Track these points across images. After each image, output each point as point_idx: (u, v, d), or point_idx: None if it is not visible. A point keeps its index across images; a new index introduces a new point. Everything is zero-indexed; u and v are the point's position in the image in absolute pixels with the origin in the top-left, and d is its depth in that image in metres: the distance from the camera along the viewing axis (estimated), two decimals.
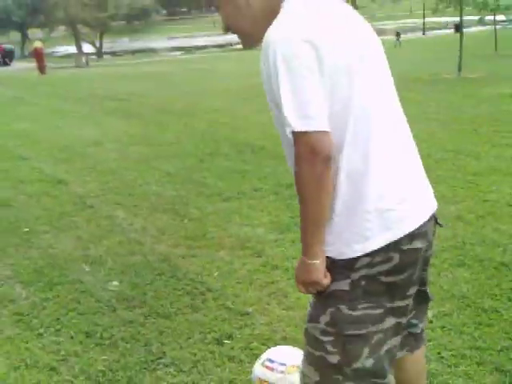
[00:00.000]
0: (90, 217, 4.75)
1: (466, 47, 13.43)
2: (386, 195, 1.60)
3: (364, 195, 1.58)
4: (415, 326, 1.88)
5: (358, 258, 1.59)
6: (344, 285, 1.62)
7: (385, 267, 1.60)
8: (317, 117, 1.49)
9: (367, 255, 1.59)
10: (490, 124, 7.48)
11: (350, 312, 1.62)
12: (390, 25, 58.11)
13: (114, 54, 55.66)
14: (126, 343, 2.90)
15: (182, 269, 3.71)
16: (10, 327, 3.10)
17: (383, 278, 1.61)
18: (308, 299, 1.82)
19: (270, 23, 1.59)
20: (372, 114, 1.60)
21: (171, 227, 4.45)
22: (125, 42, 67.53)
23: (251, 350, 2.80)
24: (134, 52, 54.20)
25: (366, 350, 1.64)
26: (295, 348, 2.49)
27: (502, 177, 5.22)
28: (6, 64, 36.17)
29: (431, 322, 2.89)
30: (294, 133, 1.49)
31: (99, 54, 51.53)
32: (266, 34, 1.57)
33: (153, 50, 55.00)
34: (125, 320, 3.12)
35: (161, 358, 2.77)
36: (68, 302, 3.35)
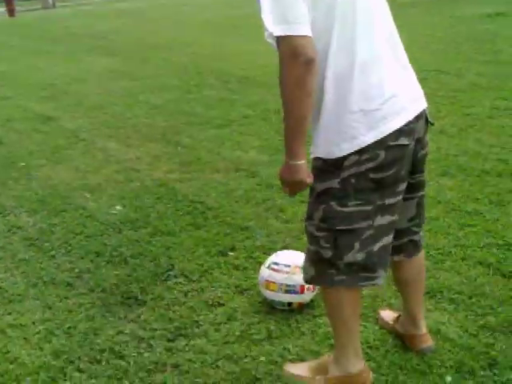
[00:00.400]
0: (84, 149, 4.84)
1: None
2: (370, 97, 1.70)
3: (349, 97, 1.69)
4: (415, 233, 2.04)
5: (347, 156, 1.71)
6: (335, 183, 1.75)
7: (372, 164, 1.71)
8: (296, 21, 1.57)
9: (355, 153, 1.71)
10: (469, 43, 7.58)
11: (341, 208, 1.77)
12: None
13: None
14: (136, 259, 3.07)
15: (181, 191, 3.86)
16: (22, 251, 3.25)
17: (371, 175, 1.73)
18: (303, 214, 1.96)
19: None
20: (357, 16, 1.68)
21: (165, 155, 4.57)
22: None
23: (254, 258, 2.99)
24: None
25: (357, 245, 1.79)
26: (297, 252, 2.68)
27: (483, 92, 5.37)
28: None
29: None
30: (276, 38, 1.58)
31: None
32: None
33: None
34: (131, 239, 3.29)
35: (170, 270, 2.95)
36: (74, 226, 3.50)
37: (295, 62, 1.57)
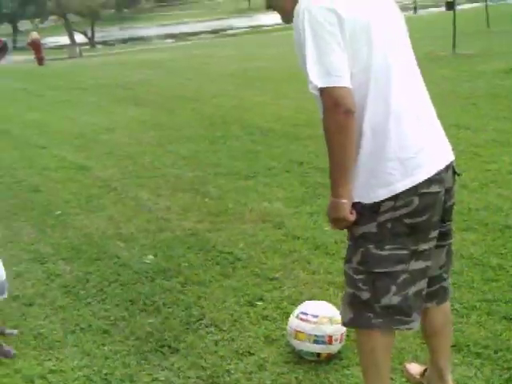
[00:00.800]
0: (116, 198, 5.04)
1: (459, 24, 13.58)
2: (405, 146, 1.89)
3: (386, 146, 1.87)
4: (445, 279, 2.17)
5: (383, 201, 1.88)
6: (372, 227, 1.91)
7: (407, 210, 1.88)
8: (338, 74, 1.79)
9: (391, 199, 1.87)
10: (487, 98, 7.73)
11: (378, 251, 1.91)
12: None
13: (105, 43, 55.47)
14: (168, 308, 3.20)
15: (210, 242, 4.01)
16: (60, 298, 3.40)
17: (406, 220, 1.89)
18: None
19: None
20: (391, 73, 1.89)
21: (194, 205, 4.74)
22: (115, 31, 67.27)
23: (282, 309, 3.11)
24: (126, 40, 54.08)
25: (394, 288, 1.93)
26: (324, 302, 2.79)
27: (502, 148, 5.50)
28: None
29: None
30: (320, 89, 1.79)
31: (91, 43, 51.37)
32: (297, 5, 1.88)
33: (145, 38, 54.89)
34: (164, 288, 3.42)
35: (201, 319, 3.07)
36: (109, 274, 3.65)
37: (336, 111, 1.78)
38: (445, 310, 2.25)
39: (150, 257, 3.87)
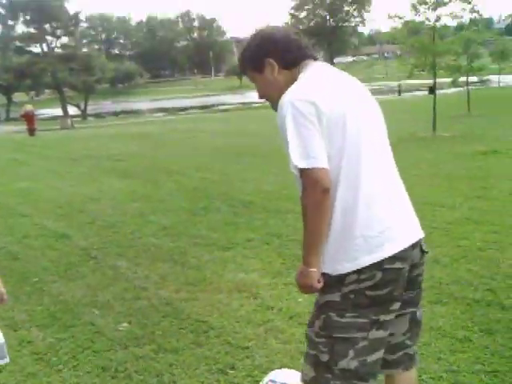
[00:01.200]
0: (94, 267, 5.08)
1: (441, 108, 14.15)
2: (371, 225, 2.04)
3: (353, 225, 2.03)
4: (409, 346, 2.27)
5: (348, 274, 2.03)
6: (336, 296, 2.05)
7: (369, 283, 2.02)
8: (317, 157, 1.97)
9: (355, 272, 2.02)
10: (463, 179, 8.00)
11: (339, 319, 2.04)
12: (369, 86, 60.01)
13: (97, 115, 56.58)
14: (140, 375, 3.22)
15: (185, 310, 4.05)
16: (30, 365, 3.40)
17: (368, 292, 2.02)
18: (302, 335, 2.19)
19: None
20: (361, 159, 2.06)
21: (172, 274, 4.80)
22: (108, 105, 68.81)
23: (253, 377, 3.13)
24: (117, 113, 55.23)
25: (351, 353, 2.03)
26: (293, 370, 2.84)
27: (474, 225, 5.66)
28: None
29: None
30: (300, 169, 1.97)
31: (84, 115, 52.41)
32: (282, 97, 2.08)
33: (137, 112, 56.12)
34: (137, 355, 3.44)
35: None
36: (82, 341, 3.66)
37: (315, 190, 1.95)
38: (410, 377, 2.32)
39: (125, 324, 3.89)
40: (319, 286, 2.06)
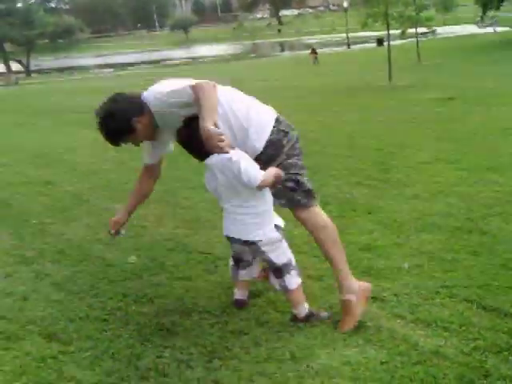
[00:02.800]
0: (89, 209, 5.22)
1: (392, 58, 14.51)
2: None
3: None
4: None
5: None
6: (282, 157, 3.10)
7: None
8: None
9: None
10: (427, 123, 8.41)
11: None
12: (316, 39, 60.21)
13: (41, 71, 54.82)
14: (161, 299, 3.44)
15: (190, 244, 4.27)
16: (53, 293, 3.58)
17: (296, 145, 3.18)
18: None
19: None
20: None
21: (168, 214, 4.99)
22: (50, 61, 66.54)
23: (268, 298, 3.41)
24: (62, 69, 53.63)
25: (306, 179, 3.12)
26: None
27: (445, 164, 6.05)
28: None
29: (408, 271, 3.60)
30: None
31: (27, 72, 50.64)
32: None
33: (82, 68, 54.61)
34: (153, 283, 3.66)
35: (194, 307, 3.31)
36: (97, 273, 3.85)
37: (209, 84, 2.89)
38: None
39: (133, 257, 4.09)
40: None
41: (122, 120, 2.98)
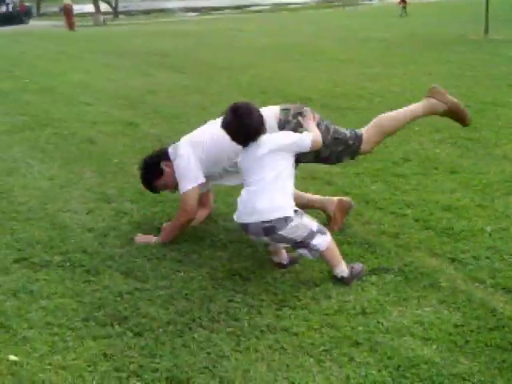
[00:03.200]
0: None
1: (490, 10, 13.66)
2: None
3: None
4: None
5: None
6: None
7: None
8: None
9: None
10: None
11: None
12: None
13: (127, 13, 55.50)
14: (234, 245, 3.47)
15: None
16: (131, 232, 3.69)
17: None
18: None
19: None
20: None
21: None
22: (137, 1, 67.19)
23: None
24: (148, 12, 54.09)
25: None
26: None
27: None
28: (22, 22, 36.23)
29: (491, 234, 3.47)
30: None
31: (115, 13, 51.41)
32: None
33: (167, 11, 54.88)
34: (227, 229, 3.70)
35: (267, 255, 3.33)
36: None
37: None
38: None
39: None
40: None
41: (152, 164, 3.68)
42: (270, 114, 3.43)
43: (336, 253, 3.05)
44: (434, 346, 2.47)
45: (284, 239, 2.98)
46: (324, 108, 6.82)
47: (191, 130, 6.01)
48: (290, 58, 11.27)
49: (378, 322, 2.66)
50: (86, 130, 6.11)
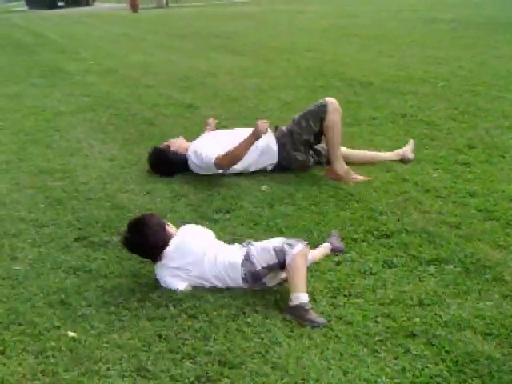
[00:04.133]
0: None
1: None
2: None
3: None
4: None
5: None
6: None
7: None
8: None
9: None
10: None
11: None
12: None
13: None
14: (289, 230, 3.44)
15: (322, 178, 4.22)
16: (188, 214, 3.72)
17: None
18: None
19: None
20: None
21: None
22: None
23: (400, 239, 3.29)
24: None
25: None
26: None
27: None
28: (87, 4, 36.85)
29: None
30: None
31: None
32: None
33: None
34: (283, 213, 3.68)
35: (322, 241, 3.29)
36: (231, 198, 3.93)
37: None
38: None
39: (266, 186, 4.12)
40: None
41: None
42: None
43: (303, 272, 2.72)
44: (495, 342, 2.38)
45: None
46: (385, 92, 6.68)
47: (249, 114, 6.08)
48: (351, 40, 11.05)
49: (436, 314, 2.59)
50: (147, 111, 6.19)
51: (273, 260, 2.76)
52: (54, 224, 3.67)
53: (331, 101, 4.33)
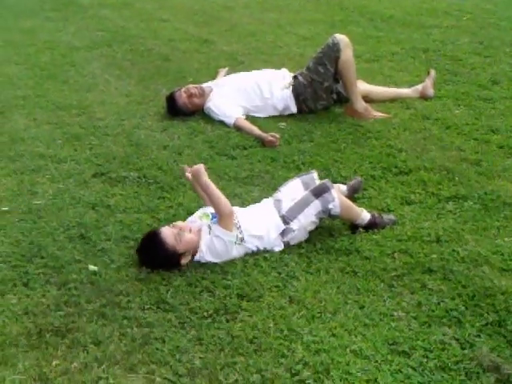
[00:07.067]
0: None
1: None
2: None
3: None
4: None
5: None
6: None
7: None
8: None
9: None
10: None
11: None
12: None
13: None
14: (307, 166, 3.43)
15: (341, 115, 4.16)
16: (205, 151, 3.71)
17: None
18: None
19: None
20: None
21: None
22: None
23: (418, 176, 3.26)
24: None
25: None
26: None
27: None
28: None
29: None
30: None
31: None
32: None
33: None
34: (300, 149, 3.66)
35: (338, 178, 3.28)
36: (248, 136, 3.89)
37: None
38: None
39: (283, 123, 4.07)
40: None
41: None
42: None
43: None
44: None
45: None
46: (407, 26, 6.46)
47: (266, 49, 5.96)
48: None
49: (454, 251, 2.60)
50: (162, 46, 6.08)
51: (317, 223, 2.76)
52: (73, 160, 3.68)
53: (341, 37, 4.18)
